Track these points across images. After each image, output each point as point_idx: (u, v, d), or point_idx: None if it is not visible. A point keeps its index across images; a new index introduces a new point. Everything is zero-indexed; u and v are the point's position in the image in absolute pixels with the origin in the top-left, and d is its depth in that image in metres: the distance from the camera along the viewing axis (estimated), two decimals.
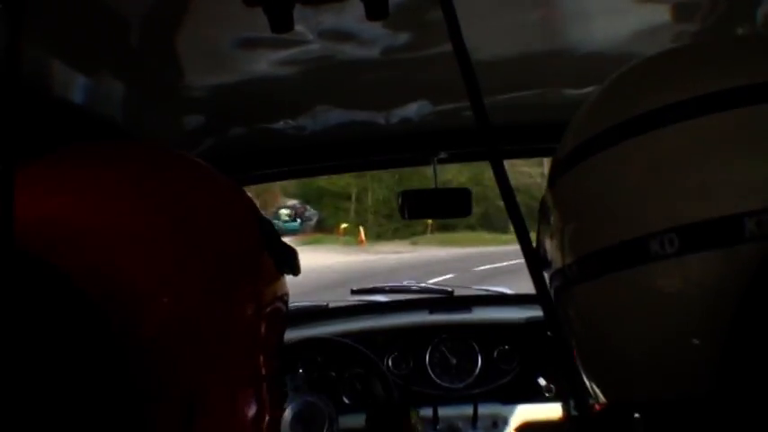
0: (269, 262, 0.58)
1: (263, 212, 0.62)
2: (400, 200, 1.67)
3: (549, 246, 0.54)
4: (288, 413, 1.60)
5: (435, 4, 0.41)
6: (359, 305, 2.22)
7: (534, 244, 0.52)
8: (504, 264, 10.79)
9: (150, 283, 0.47)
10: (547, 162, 1.08)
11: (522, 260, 0.41)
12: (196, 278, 0.49)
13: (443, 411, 1.78)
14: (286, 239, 0.64)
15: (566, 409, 1.59)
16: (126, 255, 0.47)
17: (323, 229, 19.74)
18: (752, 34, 0.93)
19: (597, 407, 0.55)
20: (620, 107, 0.49)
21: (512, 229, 0.41)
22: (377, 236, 21.26)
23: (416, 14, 0.82)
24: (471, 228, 19.42)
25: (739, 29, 0.94)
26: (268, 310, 0.57)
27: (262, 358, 0.56)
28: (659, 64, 0.52)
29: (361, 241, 18.99)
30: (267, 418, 0.56)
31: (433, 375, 1.88)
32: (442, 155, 1.50)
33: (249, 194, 0.61)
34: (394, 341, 1.90)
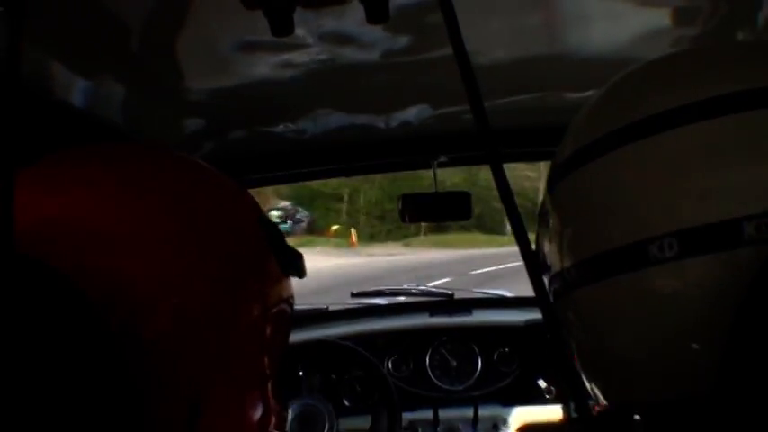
0: (273, 263, 0.58)
1: None
2: (400, 204, 1.67)
3: (549, 249, 0.54)
4: (288, 415, 1.60)
5: (435, 8, 0.41)
6: (359, 308, 2.23)
7: (533, 247, 0.52)
8: (502, 267, 10.51)
9: (151, 284, 0.47)
10: (544, 166, 1.08)
11: (521, 262, 0.41)
12: (198, 279, 0.49)
13: (444, 413, 1.79)
14: None
15: (566, 410, 1.59)
16: (127, 256, 0.47)
17: (314, 231, 19.46)
18: (752, 39, 0.93)
19: (597, 408, 0.55)
20: (619, 112, 0.49)
21: (508, 230, 0.41)
22: (369, 237, 21.05)
23: (417, 18, 0.82)
24: (466, 229, 19.09)
25: (739, 33, 0.94)
26: (272, 311, 0.56)
27: (266, 360, 0.55)
28: (659, 68, 0.52)
29: (353, 243, 18.76)
30: (272, 419, 0.56)
31: (433, 377, 1.88)
32: (442, 158, 1.50)
33: None
34: (394, 344, 1.90)
